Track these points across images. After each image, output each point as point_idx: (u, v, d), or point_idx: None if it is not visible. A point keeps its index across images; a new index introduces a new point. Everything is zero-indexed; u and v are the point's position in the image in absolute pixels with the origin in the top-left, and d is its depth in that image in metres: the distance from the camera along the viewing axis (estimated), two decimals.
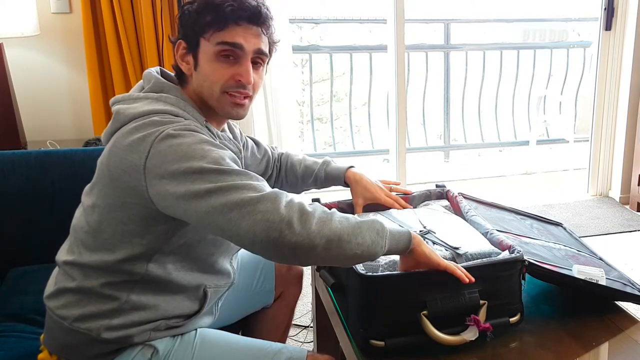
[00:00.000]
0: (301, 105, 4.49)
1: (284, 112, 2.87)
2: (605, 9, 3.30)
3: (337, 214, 1.04)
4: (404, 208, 1.48)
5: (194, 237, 1.17)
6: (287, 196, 1.01)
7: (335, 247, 0.99)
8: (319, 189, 1.57)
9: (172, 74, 1.26)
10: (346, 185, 1.51)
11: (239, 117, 1.22)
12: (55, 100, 2.70)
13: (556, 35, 6.06)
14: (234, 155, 1.11)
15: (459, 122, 4.69)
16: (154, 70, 1.23)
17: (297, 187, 1.57)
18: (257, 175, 1.06)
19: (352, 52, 4.44)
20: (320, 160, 1.55)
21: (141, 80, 1.23)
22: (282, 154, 1.58)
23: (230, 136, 1.31)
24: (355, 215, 1.35)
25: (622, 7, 3.28)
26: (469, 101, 4.65)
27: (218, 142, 1.15)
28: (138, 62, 2.60)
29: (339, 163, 1.55)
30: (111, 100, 1.21)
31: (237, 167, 1.06)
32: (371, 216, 1.34)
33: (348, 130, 4.57)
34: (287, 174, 1.56)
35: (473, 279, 1.10)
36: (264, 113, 2.83)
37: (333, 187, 1.59)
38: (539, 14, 5.76)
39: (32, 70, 2.63)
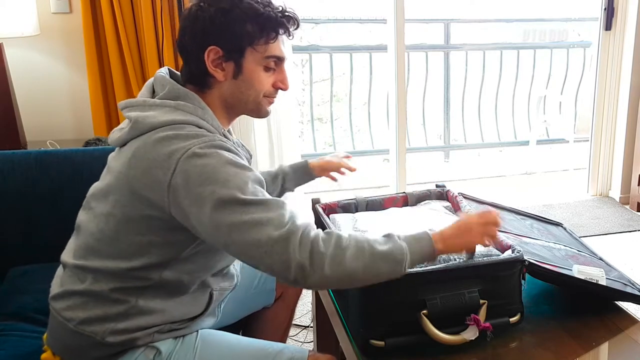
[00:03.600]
0: (301, 105, 4.48)
1: (284, 112, 2.86)
2: (605, 9, 3.30)
3: (352, 246, 1.02)
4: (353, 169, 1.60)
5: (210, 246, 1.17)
6: (302, 230, 1.01)
7: (350, 282, 1.04)
8: (288, 187, 1.57)
9: (178, 73, 1.24)
10: (311, 173, 1.55)
11: (268, 115, 1.26)
12: (55, 100, 2.70)
13: (556, 35, 6.05)
14: (257, 175, 1.09)
15: (459, 122, 4.69)
16: (166, 74, 1.20)
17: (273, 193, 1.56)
18: (277, 201, 1.06)
19: (352, 52, 4.43)
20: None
21: (149, 81, 1.21)
22: None
23: (241, 142, 1.30)
24: (375, 238, 1.09)
25: (622, 7, 3.28)
26: (469, 101, 4.65)
27: (238, 150, 1.14)
28: (138, 62, 2.60)
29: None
30: (122, 104, 1.18)
31: (258, 194, 1.05)
32: (393, 230, 1.13)
33: (348, 130, 4.57)
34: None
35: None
36: None
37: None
38: (539, 14, 5.75)
39: (32, 70, 2.63)
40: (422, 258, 1.07)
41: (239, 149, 1.19)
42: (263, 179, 1.10)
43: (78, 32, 2.58)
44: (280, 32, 1.17)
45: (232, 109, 1.22)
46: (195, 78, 1.18)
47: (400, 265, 1.04)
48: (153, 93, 1.20)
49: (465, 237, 1.11)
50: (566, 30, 5.95)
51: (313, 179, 1.58)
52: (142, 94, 1.20)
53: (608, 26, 3.32)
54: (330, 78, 4.41)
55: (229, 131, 1.28)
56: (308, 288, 1.09)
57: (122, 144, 1.14)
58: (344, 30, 5.50)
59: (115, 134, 1.17)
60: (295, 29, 1.21)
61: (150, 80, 1.22)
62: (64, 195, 1.82)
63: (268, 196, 1.06)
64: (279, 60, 1.20)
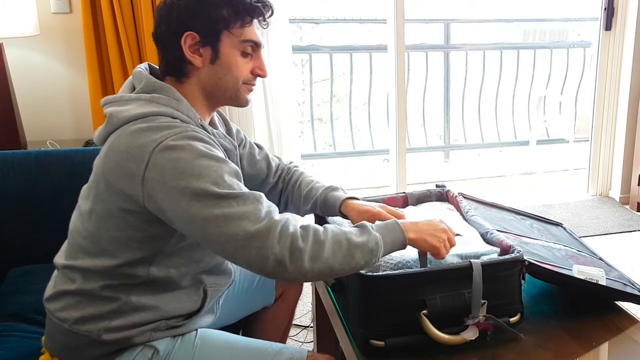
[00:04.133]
0: (301, 105, 4.48)
1: (284, 112, 2.86)
2: (605, 9, 3.30)
3: (329, 240, 1.04)
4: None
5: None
6: (281, 225, 1.02)
7: (327, 275, 1.06)
8: (319, 214, 1.43)
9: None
10: (342, 215, 1.35)
11: (248, 104, 1.25)
12: (55, 100, 2.70)
13: (556, 35, 6.04)
14: (233, 167, 1.09)
15: (459, 122, 4.69)
16: (143, 69, 1.21)
17: (300, 209, 1.44)
18: (254, 194, 1.06)
19: (352, 52, 4.43)
20: (328, 184, 1.40)
21: (129, 78, 1.21)
22: (297, 170, 1.47)
23: (223, 132, 1.30)
24: (350, 229, 1.11)
25: (622, 7, 3.28)
26: (469, 101, 4.65)
27: (214, 141, 1.14)
28: (138, 62, 2.60)
29: (343, 192, 1.38)
30: (102, 101, 1.18)
31: (234, 188, 1.04)
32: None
33: (348, 130, 4.57)
34: (294, 191, 1.44)
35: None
36: (264, 113, 2.82)
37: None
38: (539, 14, 5.76)
39: (32, 70, 2.63)
40: (394, 247, 1.12)
41: (220, 140, 1.20)
42: (239, 170, 1.11)
43: (78, 32, 2.58)
44: (255, 17, 1.18)
45: (211, 98, 1.21)
46: (172, 68, 1.18)
47: (375, 255, 1.08)
48: (134, 89, 1.20)
49: (431, 236, 1.14)
50: (566, 30, 5.95)
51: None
52: (122, 90, 1.21)
53: (608, 26, 3.32)
54: (330, 78, 4.41)
55: (212, 123, 1.28)
56: (286, 281, 1.11)
57: (103, 141, 1.15)
58: (344, 30, 5.50)
59: (97, 132, 1.17)
60: (270, 15, 1.21)
61: (131, 77, 1.22)
62: (64, 195, 1.82)
63: (245, 189, 1.06)
64: (256, 45, 1.20)
